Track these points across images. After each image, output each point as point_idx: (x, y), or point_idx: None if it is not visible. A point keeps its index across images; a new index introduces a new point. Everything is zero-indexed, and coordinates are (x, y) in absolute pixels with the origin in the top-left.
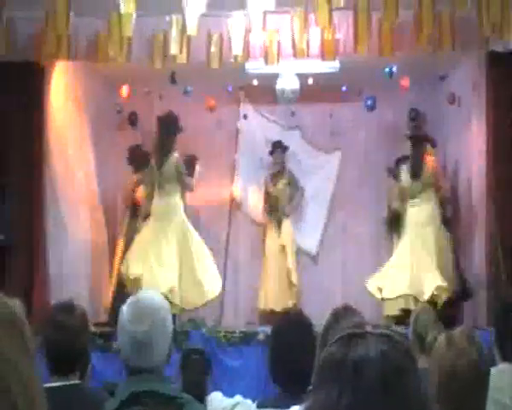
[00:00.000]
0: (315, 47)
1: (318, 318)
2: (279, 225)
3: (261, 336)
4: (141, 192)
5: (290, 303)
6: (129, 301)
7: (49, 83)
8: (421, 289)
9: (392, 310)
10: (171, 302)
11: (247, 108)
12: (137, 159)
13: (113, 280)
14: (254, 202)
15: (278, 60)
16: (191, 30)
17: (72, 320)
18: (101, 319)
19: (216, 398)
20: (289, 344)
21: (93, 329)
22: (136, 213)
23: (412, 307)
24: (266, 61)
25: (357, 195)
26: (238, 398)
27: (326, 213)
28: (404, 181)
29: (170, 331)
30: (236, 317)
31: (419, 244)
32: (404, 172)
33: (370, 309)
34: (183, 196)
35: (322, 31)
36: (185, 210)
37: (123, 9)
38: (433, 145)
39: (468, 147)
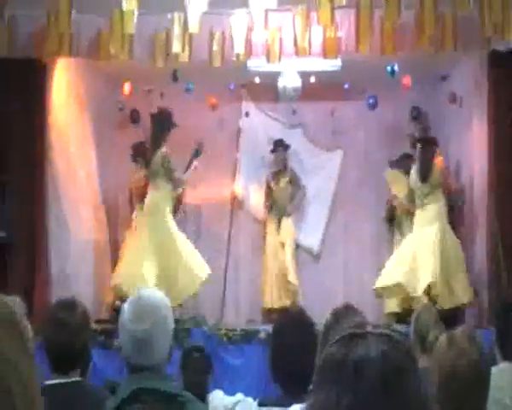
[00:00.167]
0: (317, 45)
1: (319, 317)
2: (279, 222)
3: (262, 335)
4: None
5: (287, 302)
6: (130, 299)
7: (51, 80)
8: (415, 282)
9: (393, 306)
10: None
11: (248, 105)
12: (142, 156)
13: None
14: (256, 201)
15: (280, 58)
16: (193, 28)
17: (74, 318)
18: (103, 317)
19: (217, 396)
20: (290, 343)
21: (94, 326)
22: None
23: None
24: (268, 59)
25: (358, 193)
26: (239, 396)
27: (327, 212)
28: (412, 182)
29: (171, 329)
30: (237, 314)
31: (422, 241)
32: (413, 174)
33: (371, 308)
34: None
35: (324, 29)
36: (184, 207)
37: (125, 7)
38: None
39: (470, 147)
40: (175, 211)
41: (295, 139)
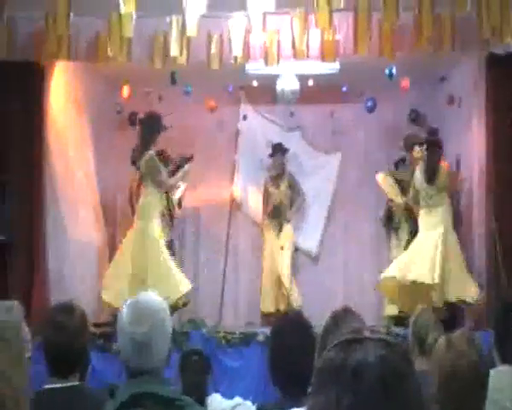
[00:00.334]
0: (315, 48)
1: (319, 318)
2: (280, 227)
3: (261, 338)
4: None
5: (281, 307)
6: (128, 302)
7: (50, 83)
8: (407, 270)
9: (392, 309)
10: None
11: (247, 108)
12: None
13: None
14: (254, 203)
15: (278, 61)
16: (191, 31)
17: (72, 321)
18: (101, 320)
19: (215, 399)
20: (289, 344)
21: (93, 330)
22: None
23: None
24: (266, 62)
25: (357, 195)
26: (238, 399)
27: (326, 214)
28: (417, 183)
29: (169, 332)
30: (236, 316)
31: (426, 241)
32: (419, 175)
33: (371, 309)
34: (162, 197)
35: (322, 32)
36: (182, 210)
37: (123, 10)
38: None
39: (468, 148)
40: (170, 216)
41: (294, 142)
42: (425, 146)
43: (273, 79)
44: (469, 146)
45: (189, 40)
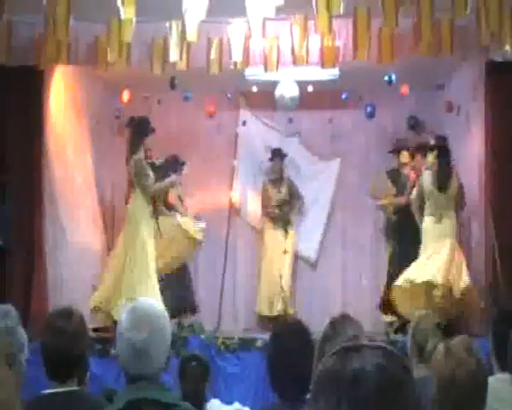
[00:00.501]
0: (314, 54)
1: (318, 323)
2: (286, 231)
3: (259, 343)
4: (172, 194)
5: (281, 310)
6: (127, 308)
7: (49, 87)
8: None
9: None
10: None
11: (246, 114)
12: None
13: None
14: (253, 209)
15: (278, 67)
16: (191, 36)
17: (71, 326)
18: (100, 325)
19: (214, 405)
20: (289, 348)
21: (92, 335)
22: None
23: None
24: (266, 68)
25: (356, 201)
26: (236, 405)
27: (325, 220)
28: (427, 190)
29: (168, 339)
30: (235, 322)
31: (435, 253)
32: (428, 180)
33: (370, 314)
34: (149, 201)
35: (321, 38)
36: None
37: (123, 15)
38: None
39: (467, 154)
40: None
41: (292, 147)
42: (436, 153)
43: (272, 84)
44: (468, 153)
45: (188, 45)
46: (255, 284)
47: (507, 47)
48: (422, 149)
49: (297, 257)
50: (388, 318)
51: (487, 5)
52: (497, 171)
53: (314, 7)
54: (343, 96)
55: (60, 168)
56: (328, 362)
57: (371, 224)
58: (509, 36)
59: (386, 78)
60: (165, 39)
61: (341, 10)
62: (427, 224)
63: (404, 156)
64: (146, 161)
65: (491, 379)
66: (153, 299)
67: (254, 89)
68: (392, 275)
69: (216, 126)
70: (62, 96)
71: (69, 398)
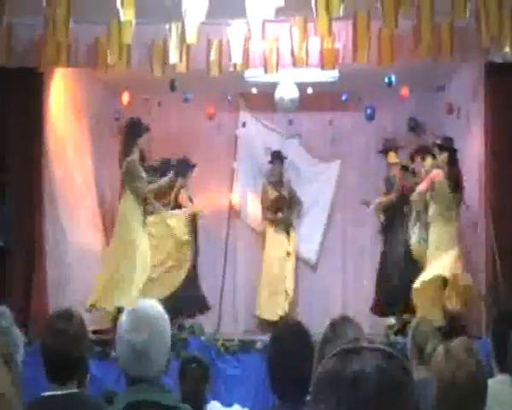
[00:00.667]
0: (314, 56)
1: (318, 324)
2: (288, 234)
3: (259, 345)
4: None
5: (282, 312)
6: (127, 310)
7: (49, 89)
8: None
9: (391, 318)
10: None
11: (246, 115)
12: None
13: None
14: (253, 211)
15: (277, 68)
16: (190, 38)
17: (71, 328)
18: (100, 326)
19: (214, 407)
20: (289, 349)
21: (91, 337)
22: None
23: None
24: (266, 70)
25: (356, 202)
26: (236, 407)
27: (325, 221)
28: (441, 188)
29: (168, 341)
30: (235, 323)
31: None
32: (443, 178)
33: (370, 316)
34: (141, 202)
35: (321, 40)
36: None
37: (123, 17)
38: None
39: (467, 155)
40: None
41: (292, 149)
42: (446, 153)
43: (272, 86)
44: (468, 154)
45: (188, 47)
46: (255, 285)
47: (507, 49)
48: (422, 151)
49: (297, 259)
50: (389, 320)
51: (487, 6)
52: (497, 171)
53: (314, 9)
54: (343, 98)
55: (60, 168)
56: (328, 364)
57: (371, 225)
58: (509, 38)
59: (386, 79)
60: (164, 41)
61: (341, 12)
62: (434, 226)
63: (392, 157)
64: (141, 163)
65: (490, 381)
66: (152, 301)
67: (254, 90)
68: (382, 275)
69: (216, 128)
70: (62, 97)
71: (69, 400)
